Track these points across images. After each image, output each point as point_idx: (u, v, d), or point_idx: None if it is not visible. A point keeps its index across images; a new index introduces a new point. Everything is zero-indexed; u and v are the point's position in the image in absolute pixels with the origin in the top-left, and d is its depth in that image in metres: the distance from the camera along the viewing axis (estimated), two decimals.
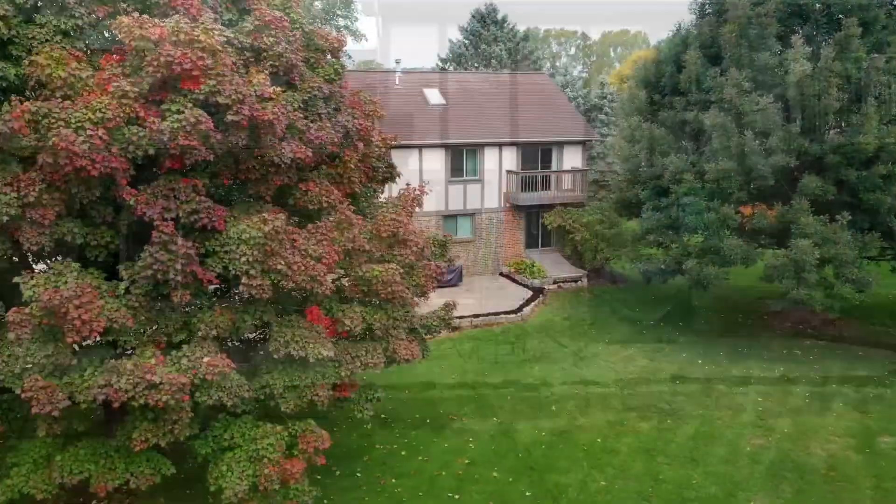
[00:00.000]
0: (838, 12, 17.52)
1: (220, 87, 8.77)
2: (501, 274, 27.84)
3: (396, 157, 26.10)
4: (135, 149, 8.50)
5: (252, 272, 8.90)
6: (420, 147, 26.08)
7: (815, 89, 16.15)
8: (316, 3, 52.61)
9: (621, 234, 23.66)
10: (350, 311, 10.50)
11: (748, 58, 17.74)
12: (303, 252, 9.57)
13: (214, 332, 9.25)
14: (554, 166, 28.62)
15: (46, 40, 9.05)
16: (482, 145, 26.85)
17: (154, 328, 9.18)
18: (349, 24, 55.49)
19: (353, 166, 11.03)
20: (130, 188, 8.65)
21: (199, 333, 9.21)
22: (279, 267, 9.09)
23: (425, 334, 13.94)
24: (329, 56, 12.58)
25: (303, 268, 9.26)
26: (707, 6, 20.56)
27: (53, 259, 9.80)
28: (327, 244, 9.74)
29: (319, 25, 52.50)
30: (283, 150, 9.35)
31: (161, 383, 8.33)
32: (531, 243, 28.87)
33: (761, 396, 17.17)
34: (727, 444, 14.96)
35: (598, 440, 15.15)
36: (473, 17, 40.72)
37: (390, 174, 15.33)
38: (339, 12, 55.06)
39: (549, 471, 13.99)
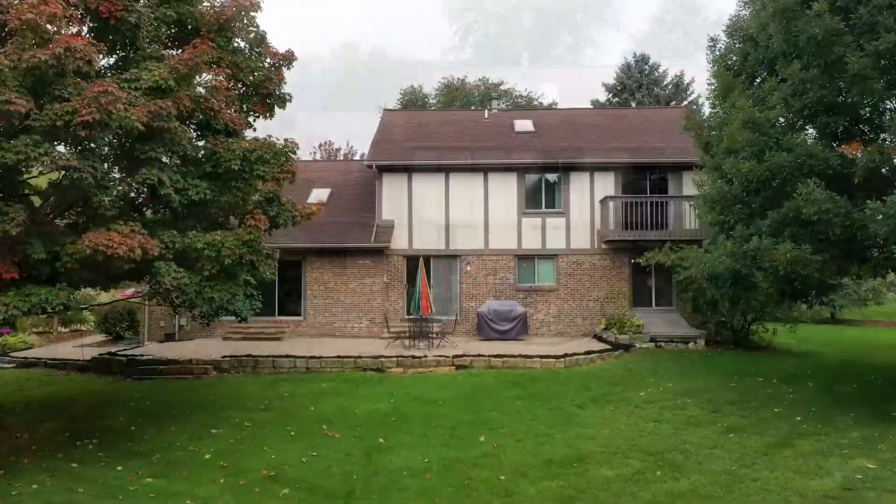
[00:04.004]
0: None
1: None
2: (595, 336, 20.92)
3: (454, 181, 22.15)
4: None
5: None
6: (485, 169, 21.80)
7: (831, 57, 8.97)
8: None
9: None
10: None
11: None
12: None
13: None
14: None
15: None
16: (567, 167, 21.57)
17: None
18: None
19: None
20: None
21: None
22: None
23: None
24: None
25: None
26: None
27: None
28: None
29: None
30: None
31: None
32: (642, 300, 21.78)
33: None
34: None
35: None
36: (620, 69, 35.96)
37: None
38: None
39: None
